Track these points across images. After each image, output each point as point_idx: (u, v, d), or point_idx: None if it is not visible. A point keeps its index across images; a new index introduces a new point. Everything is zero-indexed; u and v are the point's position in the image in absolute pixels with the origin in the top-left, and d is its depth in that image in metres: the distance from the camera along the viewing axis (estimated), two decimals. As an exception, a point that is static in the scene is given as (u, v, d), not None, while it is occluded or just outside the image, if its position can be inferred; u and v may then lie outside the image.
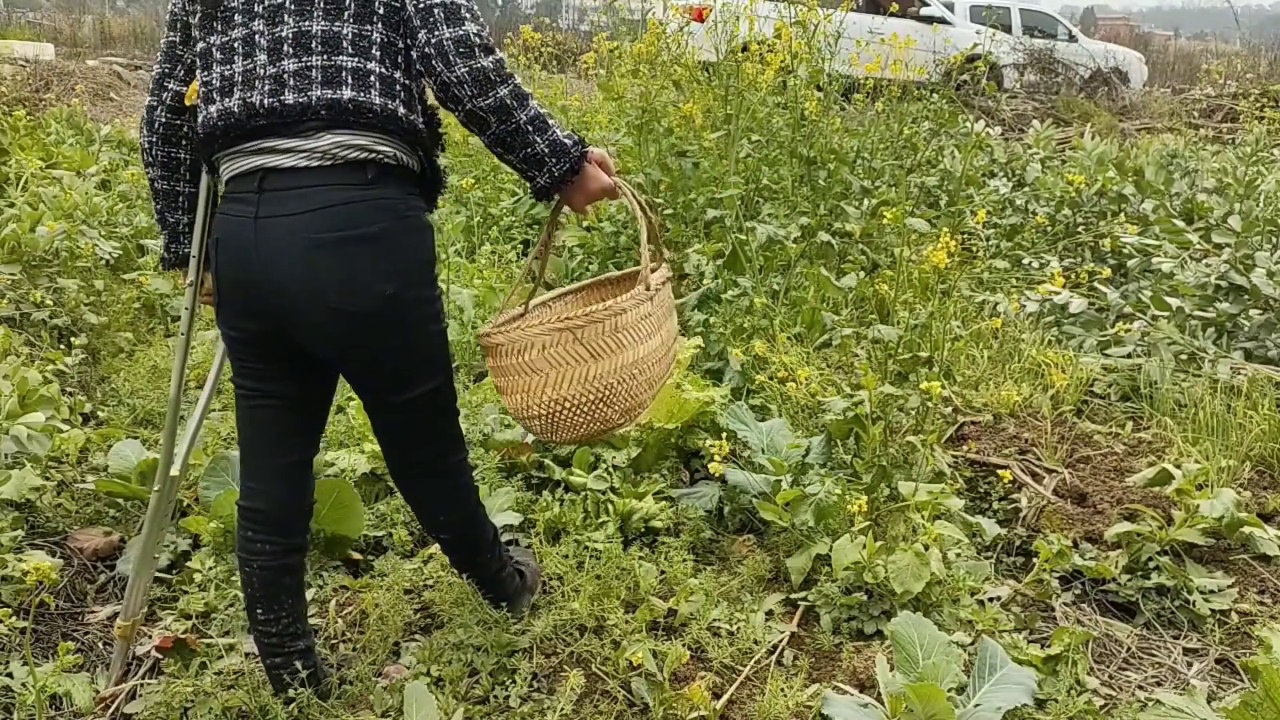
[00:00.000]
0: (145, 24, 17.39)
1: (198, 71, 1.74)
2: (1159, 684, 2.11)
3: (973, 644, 2.09)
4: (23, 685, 1.94)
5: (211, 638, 2.17)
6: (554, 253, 4.59)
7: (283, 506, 1.88)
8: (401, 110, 1.69)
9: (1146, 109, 10.99)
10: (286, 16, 1.63)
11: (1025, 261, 4.77)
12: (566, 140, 1.73)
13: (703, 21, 5.30)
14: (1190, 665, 2.18)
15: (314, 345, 1.74)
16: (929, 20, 11.43)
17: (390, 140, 1.69)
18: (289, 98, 1.62)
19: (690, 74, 5.04)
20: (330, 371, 1.90)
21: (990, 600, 2.31)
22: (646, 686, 1.96)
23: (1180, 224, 4.74)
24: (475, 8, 1.66)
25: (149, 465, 2.61)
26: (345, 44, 1.63)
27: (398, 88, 1.68)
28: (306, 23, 1.63)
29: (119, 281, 4.22)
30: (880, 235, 4.63)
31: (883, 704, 1.87)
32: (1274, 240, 4.45)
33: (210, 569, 2.37)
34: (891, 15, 6.89)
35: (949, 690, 1.81)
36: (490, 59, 1.61)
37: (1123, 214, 5.08)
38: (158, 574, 2.39)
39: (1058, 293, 3.95)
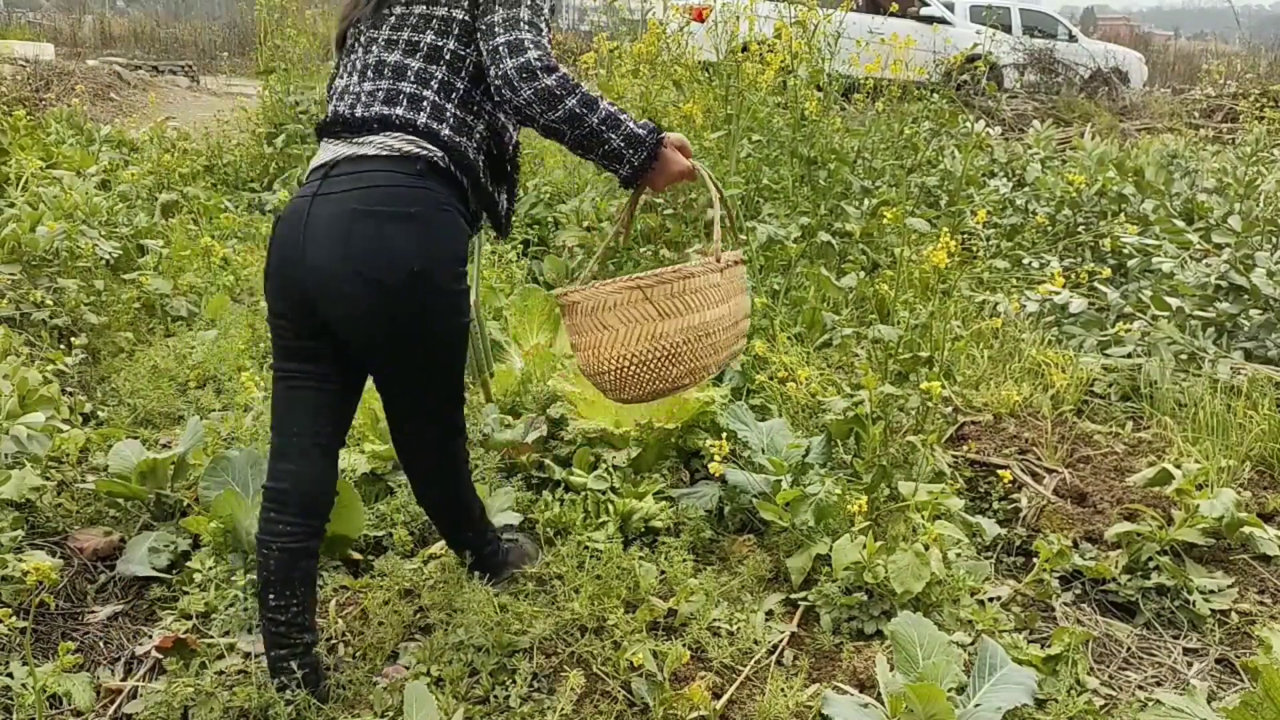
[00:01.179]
0: (145, 24, 17.37)
1: None
2: (1159, 684, 2.11)
3: (973, 644, 2.09)
4: (23, 685, 1.94)
5: (212, 638, 2.17)
6: (555, 252, 4.60)
7: (309, 486, 1.95)
8: (446, 132, 1.85)
9: (1147, 109, 10.98)
10: (374, 48, 1.91)
11: (1025, 261, 4.77)
12: (641, 130, 1.88)
13: (703, 21, 5.30)
14: (1190, 665, 2.18)
15: (338, 320, 1.84)
16: (929, 20, 11.43)
17: (438, 146, 1.83)
18: (358, 111, 1.87)
19: (690, 74, 5.04)
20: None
21: (990, 600, 2.31)
22: (646, 686, 1.97)
23: (1180, 224, 4.74)
24: (541, 39, 1.80)
25: (149, 465, 2.61)
26: (410, 74, 1.86)
27: (448, 113, 1.86)
28: (387, 54, 1.89)
29: (119, 281, 4.22)
30: (880, 235, 4.63)
31: (883, 704, 1.87)
32: (1274, 240, 4.45)
33: (210, 569, 2.37)
34: (891, 15, 6.90)
35: (949, 690, 1.82)
36: (553, 77, 1.78)
37: (1123, 214, 5.08)
38: (158, 573, 2.40)
39: (1058, 293, 3.95)
